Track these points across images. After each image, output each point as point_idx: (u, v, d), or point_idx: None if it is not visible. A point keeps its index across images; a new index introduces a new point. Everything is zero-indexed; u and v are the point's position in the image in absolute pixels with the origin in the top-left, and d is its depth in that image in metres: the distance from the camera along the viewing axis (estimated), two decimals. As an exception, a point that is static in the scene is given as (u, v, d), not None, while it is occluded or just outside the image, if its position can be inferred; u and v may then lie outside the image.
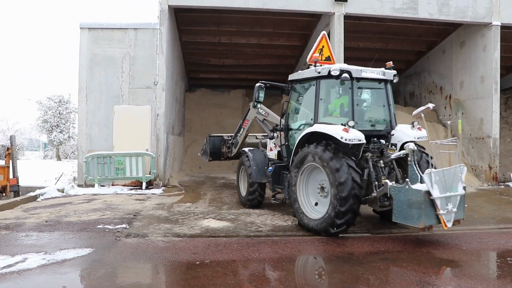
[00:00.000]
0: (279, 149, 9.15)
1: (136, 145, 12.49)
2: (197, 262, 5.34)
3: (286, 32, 16.41)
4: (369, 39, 17.19)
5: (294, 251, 5.97)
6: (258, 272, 5.07)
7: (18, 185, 13.80)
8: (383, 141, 7.58)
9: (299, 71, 8.57)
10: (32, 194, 10.91)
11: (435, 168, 6.67)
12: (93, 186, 12.00)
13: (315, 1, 13.09)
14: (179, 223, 7.60)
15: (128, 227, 7.26)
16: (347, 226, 6.85)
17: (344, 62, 13.16)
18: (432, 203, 6.28)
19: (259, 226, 7.48)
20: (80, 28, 12.85)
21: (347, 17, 13.41)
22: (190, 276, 4.87)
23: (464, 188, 6.69)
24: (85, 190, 11.74)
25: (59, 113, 37.58)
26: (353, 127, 7.04)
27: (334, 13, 13.23)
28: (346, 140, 6.79)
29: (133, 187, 12.34)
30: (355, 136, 6.87)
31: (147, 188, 12.14)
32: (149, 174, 12.28)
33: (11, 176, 13.58)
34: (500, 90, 14.47)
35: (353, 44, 16.74)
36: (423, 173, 6.42)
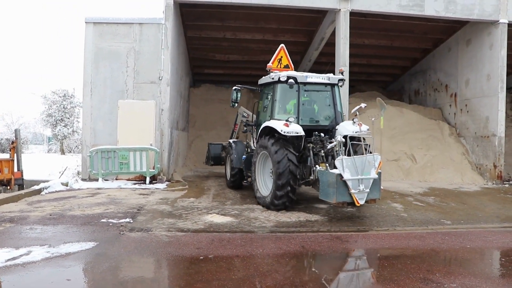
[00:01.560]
0: None
1: (140, 139, 12.49)
2: (201, 257, 5.34)
3: (291, 28, 16.38)
4: (375, 36, 17.14)
5: (297, 247, 5.96)
6: (262, 268, 5.06)
7: (23, 179, 13.82)
8: (322, 134, 9.00)
9: (264, 77, 10.21)
10: (36, 187, 10.93)
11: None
12: (97, 180, 12.01)
13: (321, -3, 13.06)
14: (183, 218, 7.60)
15: (131, 221, 7.27)
16: (284, 206, 8.48)
17: (349, 59, 13.23)
18: (345, 183, 7.59)
19: (262, 221, 7.48)
20: (85, 22, 12.84)
21: (352, 14, 13.37)
22: (194, 271, 4.87)
23: (379, 173, 8.00)
24: (89, 184, 11.77)
25: (64, 107, 37.63)
26: (298, 122, 8.89)
27: (340, 9, 13.18)
28: (285, 132, 8.36)
29: (137, 182, 12.36)
30: (293, 130, 8.43)
31: (150, 182, 12.15)
32: (153, 169, 12.29)
33: (15, 169, 13.60)
34: (506, 89, 14.40)
35: (358, 41, 16.69)
36: None
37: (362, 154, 8.10)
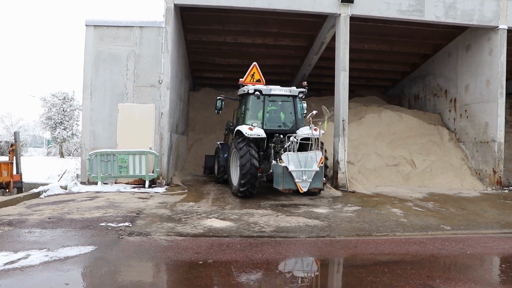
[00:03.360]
0: None
1: (139, 143, 12.48)
2: (200, 262, 5.32)
3: (291, 33, 16.39)
4: (375, 41, 17.15)
5: (297, 253, 5.95)
6: (261, 273, 5.04)
7: (22, 182, 13.81)
8: (281, 136, 10.98)
9: (240, 89, 12.25)
10: (35, 190, 10.92)
11: (324, 152, 10.70)
12: (96, 183, 11.99)
13: (321, 2, 13.06)
14: (182, 222, 7.58)
15: (131, 225, 7.25)
16: (248, 193, 10.45)
17: (349, 64, 13.25)
18: (291, 174, 9.71)
19: (262, 226, 7.46)
20: (86, 25, 12.85)
21: (353, 19, 13.39)
22: (193, 276, 4.85)
23: (321, 167, 10.08)
24: (88, 188, 11.75)
25: (63, 110, 37.60)
26: (262, 127, 11.06)
27: (340, 14, 13.20)
28: (248, 134, 10.47)
29: (136, 186, 12.34)
30: (255, 132, 10.53)
31: (150, 186, 12.13)
32: (152, 172, 12.27)
33: (14, 172, 13.59)
34: (506, 94, 14.39)
35: (358, 46, 16.71)
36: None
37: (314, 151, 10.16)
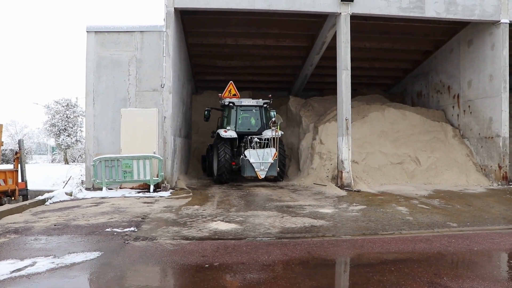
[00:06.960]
0: None
1: (143, 148, 12.50)
2: (206, 265, 5.31)
3: (292, 33, 16.39)
4: (376, 39, 17.12)
5: (303, 253, 5.92)
6: (268, 275, 5.02)
7: (27, 189, 13.85)
8: (249, 137, 14.04)
9: (220, 102, 15.68)
10: (40, 198, 10.94)
11: (283, 149, 14.73)
12: (101, 189, 12.01)
13: (321, 1, 13.05)
14: (188, 226, 7.57)
15: (136, 230, 7.25)
16: (223, 180, 14.20)
17: (351, 63, 13.24)
18: (252, 165, 13.23)
19: (267, 228, 7.44)
20: (87, 31, 12.89)
21: (353, 17, 13.36)
22: (199, 279, 4.84)
23: (275, 160, 13.45)
24: (93, 194, 11.77)
25: (67, 117, 37.69)
26: (235, 130, 14.54)
27: (340, 13, 13.18)
28: (223, 135, 14.08)
29: (140, 190, 12.35)
30: (228, 134, 14.15)
31: (154, 191, 12.14)
32: (157, 177, 12.28)
33: (19, 180, 13.63)
34: (509, 89, 14.31)
35: (359, 45, 16.69)
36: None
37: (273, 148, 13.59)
